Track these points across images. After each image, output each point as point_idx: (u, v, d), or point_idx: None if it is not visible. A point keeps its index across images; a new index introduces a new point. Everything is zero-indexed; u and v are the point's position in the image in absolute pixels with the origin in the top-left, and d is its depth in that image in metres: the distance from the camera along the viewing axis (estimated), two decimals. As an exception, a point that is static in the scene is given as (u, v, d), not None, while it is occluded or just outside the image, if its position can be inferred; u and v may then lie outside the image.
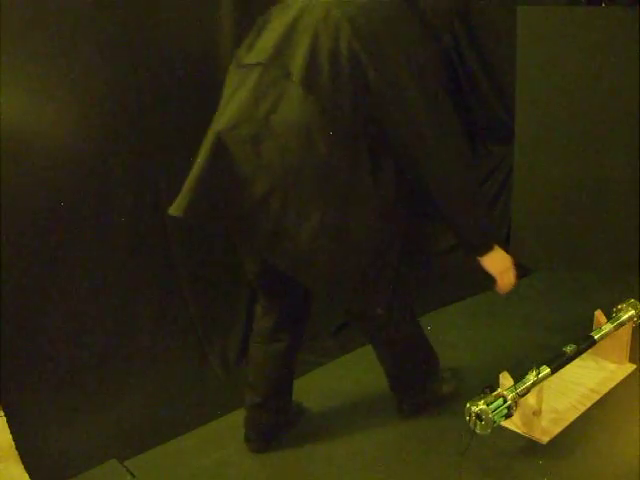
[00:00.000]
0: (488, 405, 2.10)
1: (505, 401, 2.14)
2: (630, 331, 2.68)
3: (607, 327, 2.58)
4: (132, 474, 2.27)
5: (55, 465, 2.33)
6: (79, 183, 2.75)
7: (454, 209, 1.98)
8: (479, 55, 4.00)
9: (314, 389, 2.74)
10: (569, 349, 2.42)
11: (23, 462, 2.33)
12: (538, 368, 2.26)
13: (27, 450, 2.38)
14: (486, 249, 2.07)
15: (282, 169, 1.82)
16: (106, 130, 2.79)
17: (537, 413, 2.30)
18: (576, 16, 3.50)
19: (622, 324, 2.62)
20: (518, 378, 2.37)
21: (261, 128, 1.81)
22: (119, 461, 2.33)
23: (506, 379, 2.34)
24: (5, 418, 2.50)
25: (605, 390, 2.57)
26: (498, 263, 2.10)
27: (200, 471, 2.29)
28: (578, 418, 2.42)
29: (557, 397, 2.52)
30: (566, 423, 2.39)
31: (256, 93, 1.84)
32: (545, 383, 2.41)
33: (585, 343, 2.49)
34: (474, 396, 2.17)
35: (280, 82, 1.82)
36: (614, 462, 2.23)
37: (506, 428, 2.38)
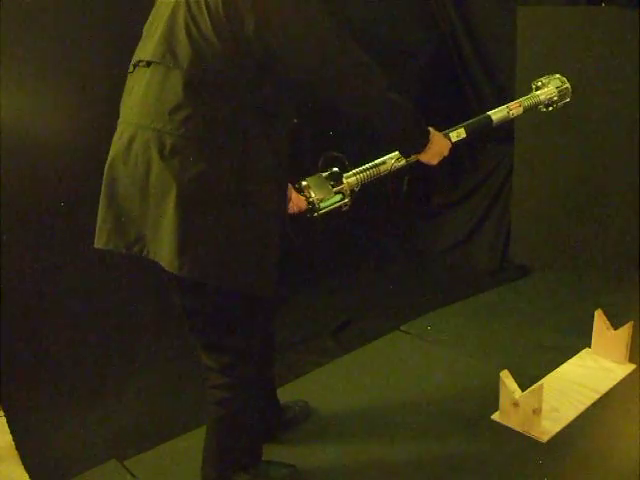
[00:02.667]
0: (321, 201, 1.95)
1: (343, 198, 2.00)
2: (630, 331, 2.68)
3: (519, 106, 2.24)
4: (132, 474, 2.27)
5: (55, 465, 2.33)
6: (79, 183, 2.76)
7: (377, 119, 1.89)
8: (479, 55, 4.00)
9: (314, 389, 2.74)
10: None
11: (23, 462, 2.33)
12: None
13: (27, 450, 2.38)
14: (423, 145, 1.98)
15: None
16: (107, 131, 2.79)
17: (537, 412, 2.30)
18: (576, 16, 3.51)
19: (537, 103, 2.28)
20: (519, 378, 2.37)
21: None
22: (119, 461, 2.33)
23: (507, 378, 2.35)
24: (5, 418, 2.51)
25: (605, 390, 2.57)
26: (435, 156, 2.04)
27: (200, 471, 2.29)
28: (578, 417, 2.42)
29: (557, 396, 2.52)
30: (566, 422, 2.39)
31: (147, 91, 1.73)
32: (545, 383, 2.42)
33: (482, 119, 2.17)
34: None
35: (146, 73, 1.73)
36: (614, 462, 2.23)
37: (506, 427, 2.39)
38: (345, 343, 3.09)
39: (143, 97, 1.72)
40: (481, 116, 2.15)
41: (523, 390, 2.34)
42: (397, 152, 2.04)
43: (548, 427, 2.35)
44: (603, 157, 3.53)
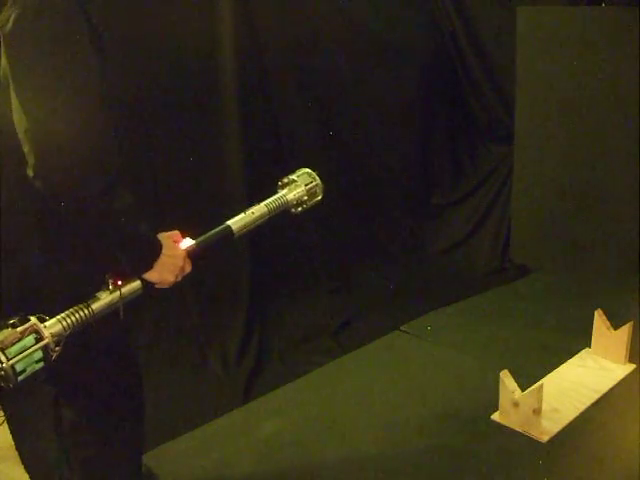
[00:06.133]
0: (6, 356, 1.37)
1: (39, 340, 1.41)
2: (630, 331, 2.68)
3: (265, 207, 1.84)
4: (132, 474, 2.27)
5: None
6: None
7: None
8: (479, 55, 4.01)
9: (314, 389, 2.74)
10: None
11: (23, 462, 2.33)
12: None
13: (27, 450, 2.38)
14: (151, 261, 1.55)
15: None
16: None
17: (537, 412, 2.31)
18: (576, 16, 3.50)
19: (286, 204, 1.89)
20: (519, 378, 2.38)
21: None
22: (119, 461, 2.33)
23: (507, 378, 2.35)
24: (5, 418, 2.51)
25: (605, 390, 2.57)
26: (169, 273, 1.59)
27: (200, 471, 2.29)
28: (578, 417, 2.42)
29: (557, 396, 2.52)
30: (566, 422, 2.39)
31: None
32: (545, 383, 2.42)
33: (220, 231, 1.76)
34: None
35: None
36: (614, 461, 2.23)
37: (506, 427, 2.39)
38: (345, 343, 3.09)
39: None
40: (219, 228, 1.76)
41: (523, 390, 2.34)
42: (111, 285, 1.55)
43: (548, 427, 2.35)
44: (603, 157, 3.53)
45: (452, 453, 2.30)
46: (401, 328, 3.18)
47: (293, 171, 1.93)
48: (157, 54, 2.87)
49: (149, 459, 2.34)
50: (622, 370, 2.68)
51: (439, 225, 4.17)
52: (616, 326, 2.71)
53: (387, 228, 4.01)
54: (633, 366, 2.70)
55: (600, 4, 3.48)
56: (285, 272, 3.48)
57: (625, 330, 2.67)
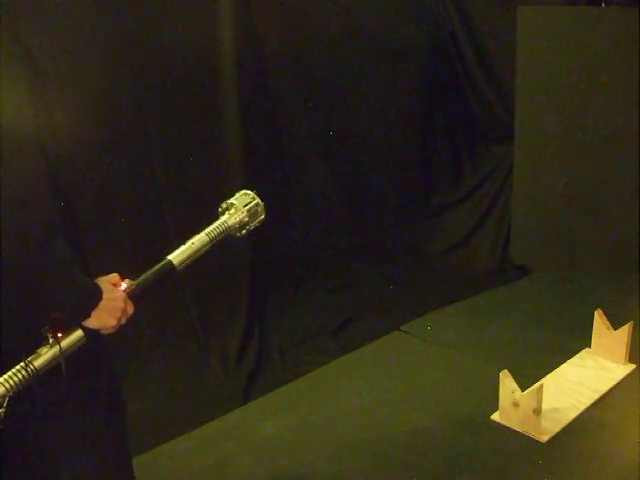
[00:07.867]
0: None
1: None
2: (630, 331, 2.68)
3: (206, 236, 1.75)
4: (132, 474, 2.27)
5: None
6: (80, 182, 2.76)
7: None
8: (479, 55, 4.01)
9: (314, 389, 2.74)
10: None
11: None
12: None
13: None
14: (91, 307, 1.49)
15: None
16: (106, 131, 2.80)
17: (537, 412, 2.31)
18: (576, 16, 3.51)
19: (228, 229, 1.80)
20: (519, 378, 2.38)
21: None
22: (119, 461, 2.33)
23: (506, 378, 2.35)
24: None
25: (605, 390, 2.57)
26: (110, 318, 1.53)
27: (200, 471, 2.29)
28: (578, 417, 2.42)
29: (557, 396, 2.52)
30: (566, 422, 2.39)
31: None
32: (545, 383, 2.42)
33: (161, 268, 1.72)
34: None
35: None
36: (614, 461, 2.23)
37: (506, 427, 2.39)
38: (345, 343, 3.09)
39: None
40: (160, 264, 1.72)
41: (523, 390, 2.34)
42: (51, 339, 1.47)
43: (548, 427, 2.36)
44: (603, 157, 3.53)
45: (452, 453, 2.30)
46: (401, 328, 3.18)
47: (232, 194, 1.87)
48: (156, 53, 2.87)
49: (149, 459, 2.35)
50: (622, 370, 2.68)
51: (439, 225, 4.17)
52: (616, 326, 2.71)
53: (387, 228, 4.01)
54: (633, 366, 2.70)
55: (600, 4, 3.48)
56: (285, 272, 3.48)
57: (625, 330, 2.68)
